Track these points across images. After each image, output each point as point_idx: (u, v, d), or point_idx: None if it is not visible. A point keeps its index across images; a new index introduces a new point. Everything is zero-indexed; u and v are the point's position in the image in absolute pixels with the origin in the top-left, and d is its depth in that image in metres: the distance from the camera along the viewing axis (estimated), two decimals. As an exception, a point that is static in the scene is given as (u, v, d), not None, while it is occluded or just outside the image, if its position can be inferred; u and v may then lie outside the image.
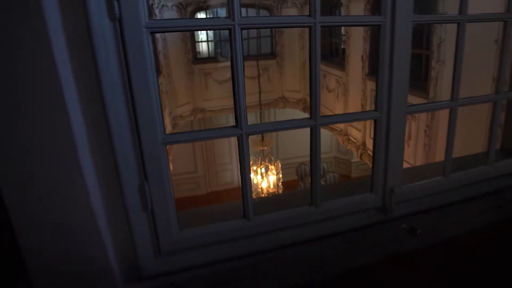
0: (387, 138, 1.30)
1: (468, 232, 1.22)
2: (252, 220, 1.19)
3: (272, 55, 7.53)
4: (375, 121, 1.29)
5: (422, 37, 3.91)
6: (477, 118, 2.76)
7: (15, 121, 0.88)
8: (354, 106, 5.47)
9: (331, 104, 6.35)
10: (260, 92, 5.79)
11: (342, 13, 6.00)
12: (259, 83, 5.55)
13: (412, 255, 1.10)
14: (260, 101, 5.83)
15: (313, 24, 1.09)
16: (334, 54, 6.75)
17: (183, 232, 1.14)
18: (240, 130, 1.09)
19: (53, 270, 1.04)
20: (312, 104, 1.17)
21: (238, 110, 1.08)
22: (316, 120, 1.17)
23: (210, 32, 7.89)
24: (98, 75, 0.90)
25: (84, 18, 0.86)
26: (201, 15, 7.18)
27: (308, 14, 1.08)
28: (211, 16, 7.32)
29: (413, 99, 3.94)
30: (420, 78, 4.06)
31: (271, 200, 1.65)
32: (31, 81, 0.86)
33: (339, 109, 5.99)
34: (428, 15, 3.43)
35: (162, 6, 6.34)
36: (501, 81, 1.53)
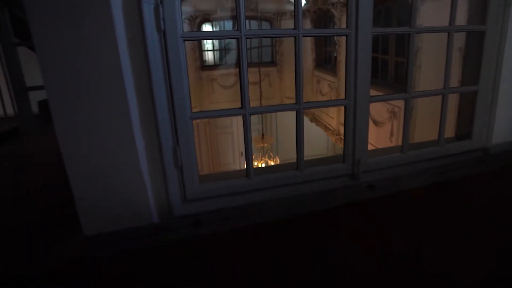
0: (354, 120, 1.66)
1: (414, 188, 1.58)
2: (252, 179, 1.56)
3: (273, 63, 7.95)
4: (345, 107, 1.66)
5: (403, 47, 4.29)
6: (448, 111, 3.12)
7: (89, 100, 1.25)
8: (345, 108, 5.83)
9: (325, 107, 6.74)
10: (261, 97, 6.19)
11: (336, 25, 6.41)
12: (260, 88, 5.95)
13: (368, 201, 1.47)
14: (261, 105, 6.23)
15: (297, 34, 1.46)
16: (327, 61, 7.17)
17: (202, 186, 1.51)
18: (244, 110, 1.46)
19: (104, 212, 1.39)
20: (297, 93, 1.54)
21: (243, 97, 1.45)
22: (300, 105, 1.54)
23: (216, 42, 8.31)
24: (148, 70, 1.28)
25: (141, 30, 1.24)
26: (207, 26, 7.60)
27: (295, 27, 1.47)
28: (217, 26, 7.75)
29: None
30: (401, 81, 4.43)
31: (267, 168, 2.02)
32: (107, 72, 1.23)
33: (332, 112, 6.37)
34: (384, 28, 3.80)
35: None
36: (446, 78, 1.90)
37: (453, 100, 2.78)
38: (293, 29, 1.46)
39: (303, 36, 1.48)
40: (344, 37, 1.61)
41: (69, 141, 1.28)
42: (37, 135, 3.63)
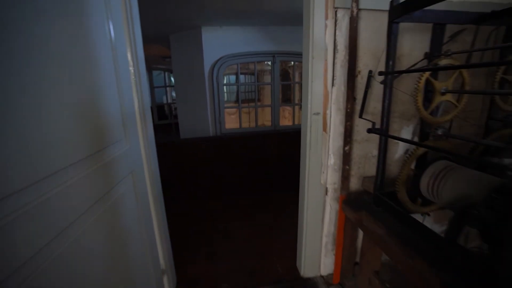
0: (274, 112, 4.28)
1: (293, 131, 4.16)
2: (242, 128, 4.15)
3: (259, 100, 10.76)
4: (271, 108, 4.28)
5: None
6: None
7: (193, 102, 3.86)
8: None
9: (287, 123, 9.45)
10: (249, 119, 8.87)
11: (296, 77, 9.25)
12: (249, 114, 8.65)
13: (278, 133, 4.05)
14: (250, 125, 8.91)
15: (255, 85, 4.12)
16: (289, 99, 10.00)
17: (226, 129, 4.09)
18: (239, 107, 4.08)
19: (191, 133, 3.95)
20: (256, 101, 4.17)
21: (238, 101, 4.07)
22: (255, 106, 4.17)
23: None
24: (213, 93, 3.91)
25: (212, 82, 3.88)
26: (219, 78, 10.44)
27: (255, 80, 4.12)
28: (225, 79, 10.59)
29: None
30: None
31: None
32: (201, 93, 3.85)
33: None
34: (284, 81, 6.66)
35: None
36: (293, 98, 4.57)
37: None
38: (253, 82, 4.11)
39: (258, 85, 4.13)
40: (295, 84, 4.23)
41: (183, 115, 3.89)
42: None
